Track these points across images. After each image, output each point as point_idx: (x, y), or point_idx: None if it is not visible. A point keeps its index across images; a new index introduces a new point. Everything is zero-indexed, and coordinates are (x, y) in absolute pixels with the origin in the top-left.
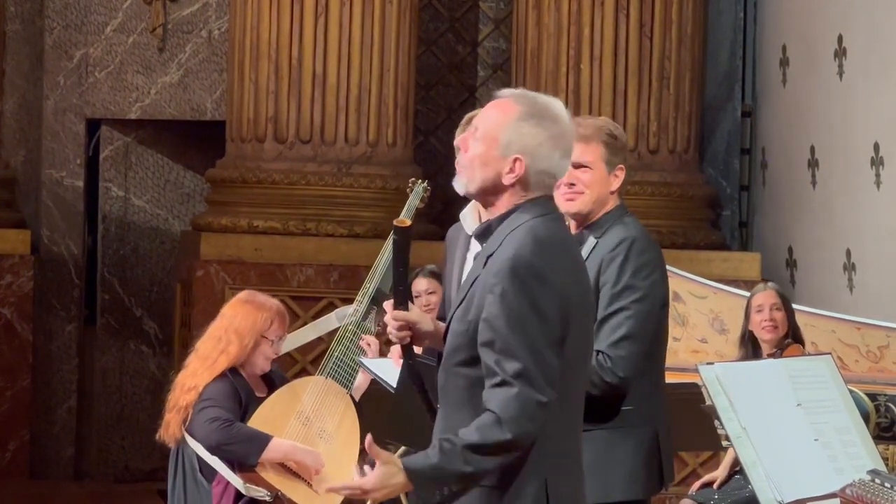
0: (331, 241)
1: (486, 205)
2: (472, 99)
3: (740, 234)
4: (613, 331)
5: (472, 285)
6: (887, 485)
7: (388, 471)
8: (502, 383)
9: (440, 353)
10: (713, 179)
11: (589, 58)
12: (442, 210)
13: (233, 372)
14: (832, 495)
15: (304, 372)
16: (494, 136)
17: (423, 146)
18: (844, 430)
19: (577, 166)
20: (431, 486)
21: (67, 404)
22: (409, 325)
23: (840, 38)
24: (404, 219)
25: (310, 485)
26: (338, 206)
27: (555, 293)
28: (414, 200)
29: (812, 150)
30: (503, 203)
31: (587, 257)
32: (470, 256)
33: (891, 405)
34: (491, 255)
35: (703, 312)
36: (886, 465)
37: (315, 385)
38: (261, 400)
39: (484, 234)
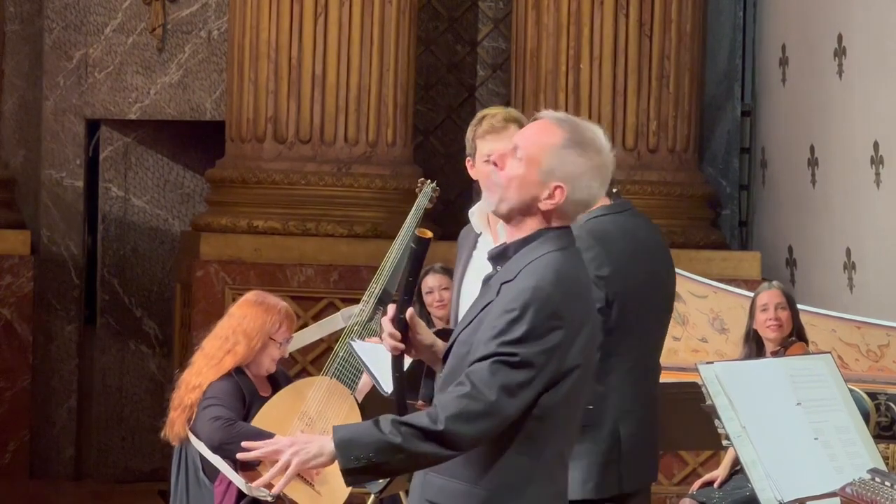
0: (331, 241)
1: (512, 224)
2: (471, 98)
3: (740, 234)
4: None
5: (482, 310)
6: (887, 483)
7: (310, 434)
8: (461, 383)
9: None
10: (713, 179)
11: (588, 57)
12: (442, 210)
13: (237, 371)
14: (832, 494)
15: (304, 372)
16: (537, 160)
17: (422, 146)
18: (844, 429)
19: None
20: (349, 450)
21: (67, 404)
22: (405, 335)
23: (840, 38)
24: (426, 230)
25: (312, 485)
26: (337, 205)
27: (565, 331)
28: (423, 201)
29: (812, 149)
30: (528, 227)
31: None
32: (476, 255)
33: (891, 404)
34: (507, 282)
35: (703, 312)
36: (886, 463)
37: (319, 385)
38: (265, 400)
39: (500, 257)
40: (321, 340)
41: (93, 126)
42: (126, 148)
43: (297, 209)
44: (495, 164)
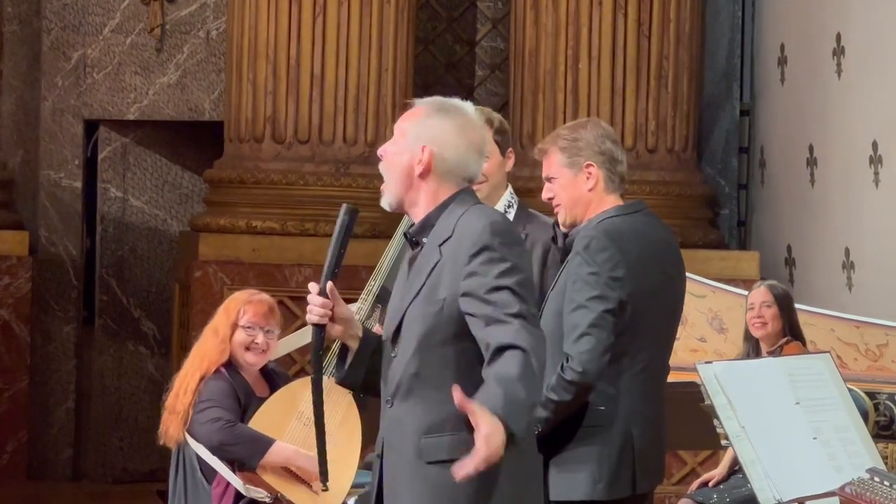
0: (329, 241)
1: (410, 206)
2: (469, 98)
3: (739, 233)
4: (571, 330)
5: (431, 272)
6: (886, 483)
7: (492, 423)
8: (506, 323)
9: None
10: (711, 178)
11: (587, 57)
12: None
13: (231, 371)
14: (831, 494)
15: (302, 372)
16: (404, 133)
17: None
18: (843, 429)
19: (547, 180)
20: (518, 418)
21: (66, 405)
22: (331, 305)
23: (838, 37)
24: (353, 204)
25: (310, 487)
26: (336, 206)
27: (527, 258)
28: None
29: (810, 148)
30: (424, 198)
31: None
32: None
33: (890, 403)
34: (445, 241)
35: (702, 311)
36: (885, 463)
37: None
38: (261, 400)
39: (422, 229)
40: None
41: (91, 126)
42: (124, 148)
43: (296, 209)
44: (381, 157)
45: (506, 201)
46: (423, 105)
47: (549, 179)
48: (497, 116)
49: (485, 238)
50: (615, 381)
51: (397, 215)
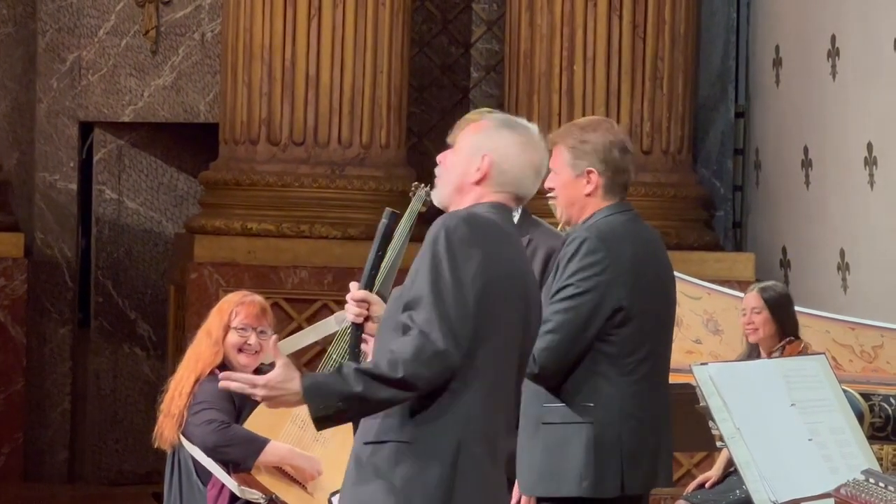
0: (324, 243)
1: (452, 207)
2: (465, 100)
3: (734, 235)
4: (546, 326)
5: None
6: (882, 484)
7: (286, 373)
8: (409, 330)
9: None
10: (706, 180)
11: (582, 59)
12: (436, 212)
13: (223, 371)
14: (826, 495)
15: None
16: (468, 142)
17: (416, 148)
18: (839, 430)
19: (551, 171)
20: (320, 399)
21: (61, 407)
22: (367, 305)
23: (833, 39)
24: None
25: (305, 488)
26: (331, 208)
27: (477, 263)
28: (416, 205)
29: (805, 150)
30: (465, 203)
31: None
32: None
33: (885, 405)
34: None
35: (698, 313)
36: (881, 464)
37: None
38: (256, 402)
39: None
40: (315, 343)
41: (86, 128)
42: (119, 150)
43: (291, 211)
44: (440, 163)
45: None
46: (490, 118)
47: (553, 170)
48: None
49: (438, 234)
50: (608, 382)
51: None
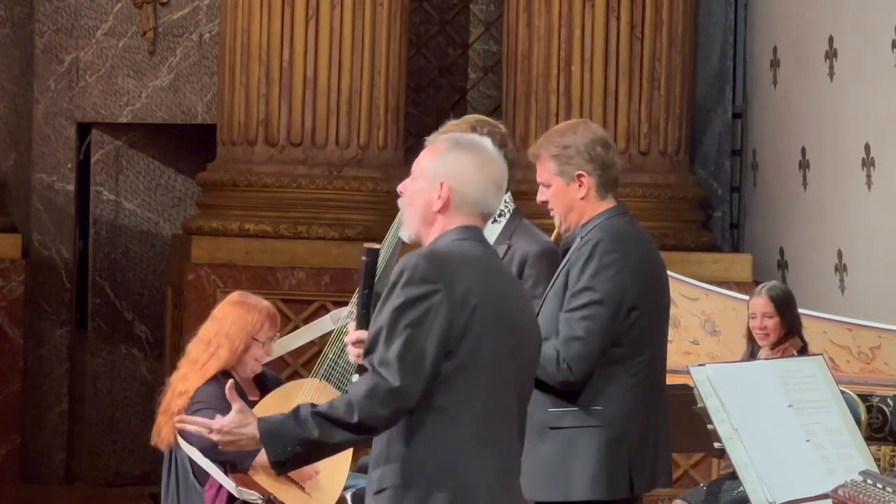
0: (322, 244)
1: (424, 240)
2: (462, 101)
3: (731, 236)
4: (567, 330)
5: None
6: (879, 485)
7: (241, 419)
8: (369, 371)
9: None
10: (704, 181)
11: (580, 60)
12: None
13: (224, 374)
14: (824, 496)
15: (295, 375)
16: (424, 169)
17: (413, 149)
18: (836, 431)
19: (541, 185)
20: (278, 444)
21: (59, 408)
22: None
23: (831, 40)
24: (373, 243)
25: (303, 488)
26: (329, 209)
27: (438, 297)
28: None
29: (803, 151)
30: (434, 232)
31: (569, 257)
32: None
33: (882, 406)
34: None
35: (695, 314)
36: (878, 465)
37: (309, 387)
38: (253, 403)
39: None
40: (312, 343)
41: (84, 129)
42: (117, 151)
43: (289, 212)
44: (401, 194)
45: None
46: (441, 142)
47: (542, 184)
48: (481, 124)
49: (393, 277)
50: (615, 384)
51: (390, 219)
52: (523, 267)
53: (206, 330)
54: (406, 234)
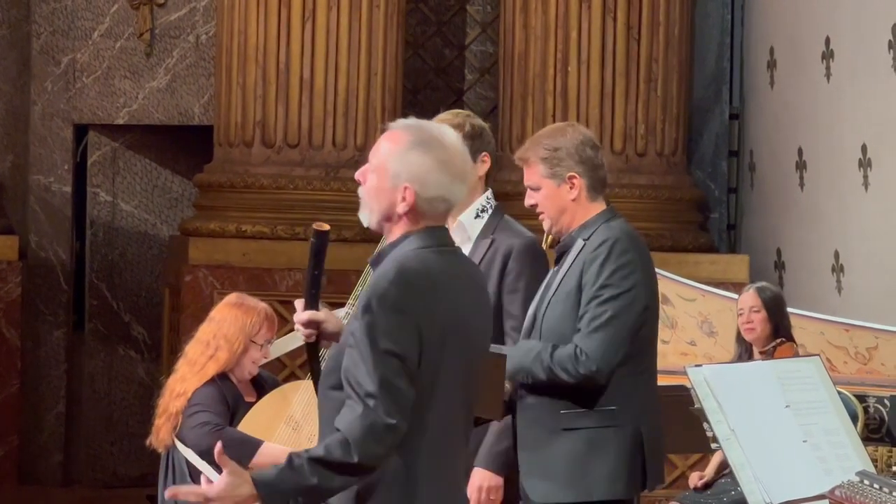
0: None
1: (386, 233)
2: (459, 102)
3: (728, 237)
4: (587, 324)
5: (353, 315)
6: (876, 486)
7: (234, 481)
8: (354, 403)
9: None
10: (701, 182)
11: (576, 61)
12: None
13: (221, 376)
14: (821, 497)
15: (293, 377)
16: (385, 168)
17: None
18: (833, 432)
19: (530, 189)
20: (276, 498)
21: (56, 410)
22: (316, 324)
23: (827, 40)
24: (323, 223)
25: None
26: (326, 210)
27: (411, 324)
28: None
29: (800, 151)
30: (396, 232)
31: (573, 260)
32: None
33: (879, 406)
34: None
35: (692, 315)
36: (875, 466)
37: (304, 389)
38: (249, 404)
39: (376, 261)
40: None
41: (81, 131)
42: (114, 153)
43: (286, 213)
44: (359, 181)
45: (479, 206)
46: (402, 133)
47: (531, 188)
48: (470, 121)
49: (366, 303)
50: (627, 383)
51: None
52: (507, 260)
53: (205, 332)
54: (364, 221)
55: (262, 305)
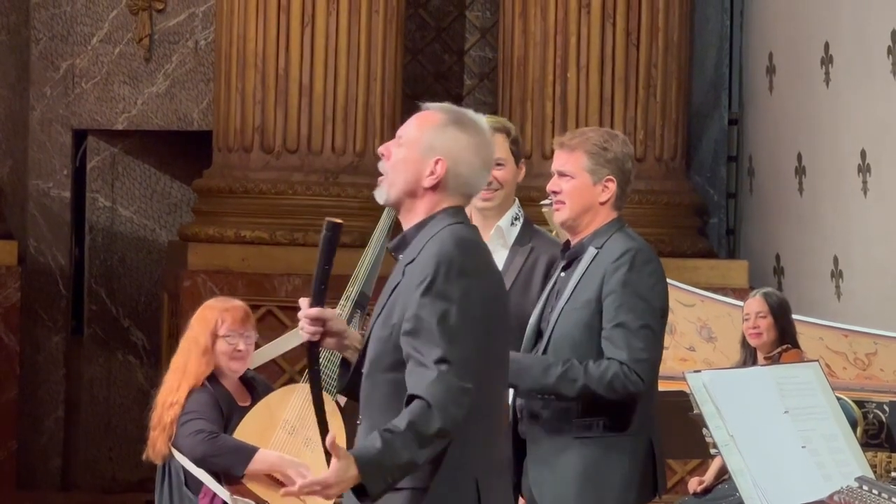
0: (317, 251)
1: (404, 210)
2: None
3: (727, 242)
4: (631, 340)
5: (392, 292)
6: (875, 491)
7: (344, 464)
8: (426, 369)
9: (357, 365)
10: (700, 187)
11: (576, 66)
12: None
13: (212, 382)
14: (820, 502)
15: (292, 381)
16: (418, 140)
17: None
18: (832, 437)
19: (561, 175)
20: (378, 477)
21: (55, 415)
22: (322, 322)
23: (826, 46)
24: (336, 218)
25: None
26: (325, 215)
27: (479, 289)
28: (387, 221)
29: (799, 157)
30: (420, 209)
31: (587, 268)
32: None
33: (878, 412)
34: (410, 262)
35: (691, 320)
36: (874, 471)
37: (299, 393)
38: (243, 409)
39: (400, 245)
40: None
41: (80, 136)
42: (113, 158)
43: (285, 219)
44: (383, 156)
45: (513, 214)
46: (438, 112)
47: (562, 174)
48: (512, 126)
49: (429, 271)
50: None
51: None
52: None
53: (182, 341)
54: (381, 196)
55: (231, 302)
